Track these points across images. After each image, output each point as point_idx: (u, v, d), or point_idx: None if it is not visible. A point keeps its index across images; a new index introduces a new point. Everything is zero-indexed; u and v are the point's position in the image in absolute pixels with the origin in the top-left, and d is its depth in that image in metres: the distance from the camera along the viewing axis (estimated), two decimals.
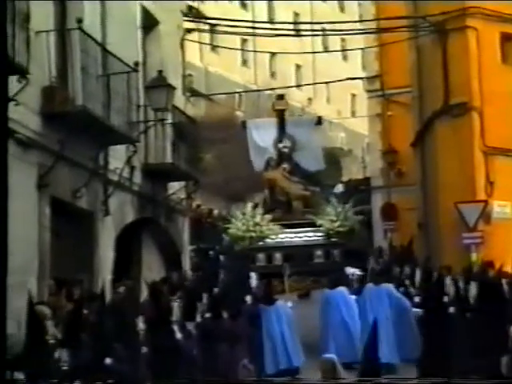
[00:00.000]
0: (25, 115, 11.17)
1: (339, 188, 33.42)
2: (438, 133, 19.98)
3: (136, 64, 14.32)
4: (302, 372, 14.20)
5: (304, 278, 19.04)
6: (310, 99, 54.20)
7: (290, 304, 15.47)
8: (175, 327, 12.32)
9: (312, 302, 17.03)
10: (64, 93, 12.33)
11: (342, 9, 59.09)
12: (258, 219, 19.47)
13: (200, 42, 33.59)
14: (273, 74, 52.84)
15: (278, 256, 19.26)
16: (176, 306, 13.31)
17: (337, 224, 19.30)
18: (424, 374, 12.64)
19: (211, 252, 24.17)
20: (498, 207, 18.71)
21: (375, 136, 30.83)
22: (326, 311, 15.40)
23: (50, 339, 9.71)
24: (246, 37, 38.17)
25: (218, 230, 23.21)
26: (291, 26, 41.15)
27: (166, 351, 11.33)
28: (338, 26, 25.15)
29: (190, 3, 33.98)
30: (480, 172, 18.70)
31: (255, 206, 20.46)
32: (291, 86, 45.33)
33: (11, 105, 9.62)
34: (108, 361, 9.86)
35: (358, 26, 26.50)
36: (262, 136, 20.81)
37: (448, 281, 14.84)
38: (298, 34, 36.55)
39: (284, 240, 19.52)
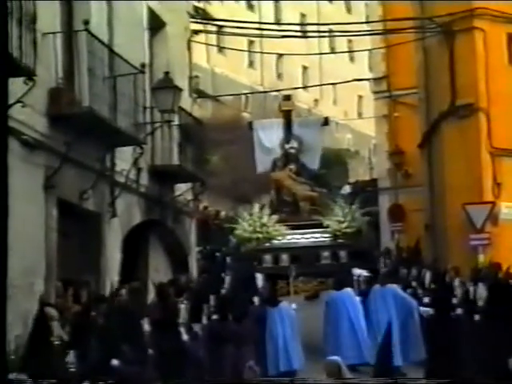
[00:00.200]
0: (31, 117, 11.17)
1: (346, 189, 33.42)
2: (444, 134, 19.94)
3: (143, 65, 14.34)
4: (307, 373, 14.14)
5: (311, 280, 19.00)
6: (316, 100, 54.19)
7: (294, 306, 15.41)
8: (182, 329, 12.32)
9: (321, 304, 16.96)
10: (70, 94, 12.32)
11: (348, 10, 59.10)
12: (264, 220, 19.40)
13: (207, 44, 33.59)
14: (279, 76, 52.84)
15: (284, 257, 19.17)
16: (183, 307, 13.30)
17: (344, 225, 19.19)
18: (431, 374, 12.63)
19: (218, 254, 24.18)
20: (505, 208, 18.67)
21: (382, 137, 30.82)
22: (332, 312, 15.35)
23: (56, 341, 9.71)
24: (252, 38, 38.27)
25: (225, 231, 23.16)
26: (298, 28, 41.18)
27: (173, 353, 11.33)
28: (344, 27, 25.09)
29: (197, 4, 33.99)
30: (487, 173, 18.66)
31: (262, 207, 20.39)
32: (298, 88, 45.31)
33: (18, 106, 9.68)
34: (115, 362, 9.87)
35: (364, 27, 26.52)
36: (269, 137, 20.70)
37: (456, 282, 14.82)
38: (304, 35, 36.48)
39: (291, 241, 19.45)
